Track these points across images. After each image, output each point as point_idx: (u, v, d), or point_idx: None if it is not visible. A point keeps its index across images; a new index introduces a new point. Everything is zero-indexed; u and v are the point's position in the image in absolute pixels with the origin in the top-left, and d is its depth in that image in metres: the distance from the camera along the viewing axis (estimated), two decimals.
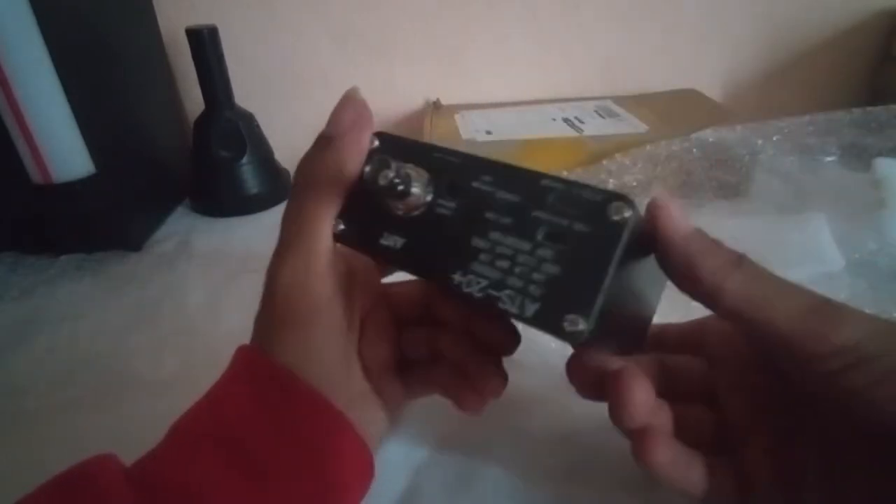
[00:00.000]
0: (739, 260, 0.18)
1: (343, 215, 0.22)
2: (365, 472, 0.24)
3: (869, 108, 0.51)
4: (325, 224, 0.22)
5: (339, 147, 0.22)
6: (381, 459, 0.28)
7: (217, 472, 0.20)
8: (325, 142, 0.22)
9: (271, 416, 0.21)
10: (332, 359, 0.23)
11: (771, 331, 0.17)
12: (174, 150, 0.58)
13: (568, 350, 0.22)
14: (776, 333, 0.17)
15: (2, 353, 0.37)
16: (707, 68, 0.69)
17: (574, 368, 0.23)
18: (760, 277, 0.18)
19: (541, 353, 0.32)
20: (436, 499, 0.26)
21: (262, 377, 0.22)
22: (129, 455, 0.21)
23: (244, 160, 0.54)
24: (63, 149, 0.43)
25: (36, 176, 0.43)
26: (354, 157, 0.22)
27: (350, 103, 0.22)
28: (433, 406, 0.31)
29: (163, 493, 0.20)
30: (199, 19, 0.51)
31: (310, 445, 0.21)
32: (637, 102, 0.62)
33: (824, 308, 0.17)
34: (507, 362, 0.32)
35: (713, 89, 0.68)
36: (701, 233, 0.18)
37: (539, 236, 0.18)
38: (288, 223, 0.23)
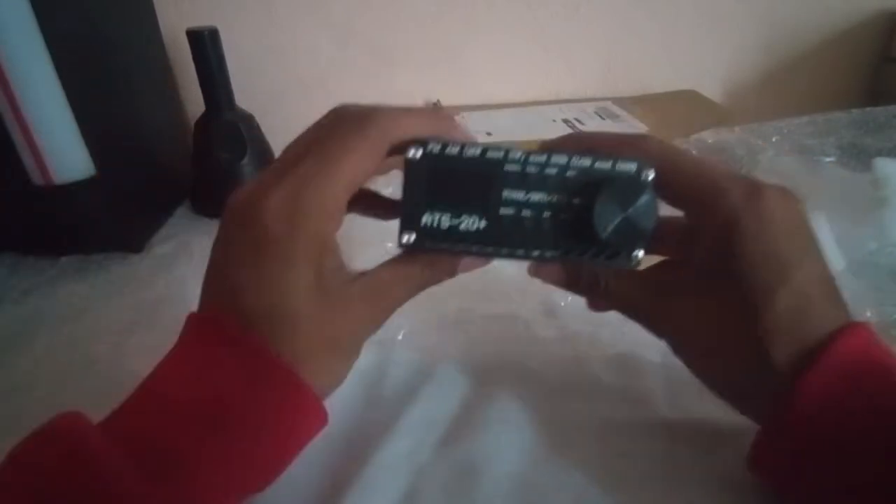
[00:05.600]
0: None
1: (411, 223, 0.23)
2: (317, 422, 0.24)
3: (868, 109, 0.52)
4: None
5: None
6: (382, 459, 0.28)
7: (192, 430, 0.21)
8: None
9: (239, 383, 0.22)
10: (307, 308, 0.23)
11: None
12: (175, 152, 0.58)
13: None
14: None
15: (2, 353, 0.37)
16: (707, 69, 0.69)
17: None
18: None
19: (539, 354, 0.32)
20: (436, 499, 0.26)
21: (226, 342, 0.23)
22: None
23: (245, 161, 0.54)
24: (63, 150, 0.43)
25: (36, 177, 0.43)
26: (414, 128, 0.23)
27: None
28: (433, 406, 0.31)
29: (139, 444, 0.20)
30: (200, 20, 0.51)
31: (268, 412, 0.22)
32: (637, 103, 0.62)
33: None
34: (511, 368, 0.32)
35: (713, 90, 0.69)
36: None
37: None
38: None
